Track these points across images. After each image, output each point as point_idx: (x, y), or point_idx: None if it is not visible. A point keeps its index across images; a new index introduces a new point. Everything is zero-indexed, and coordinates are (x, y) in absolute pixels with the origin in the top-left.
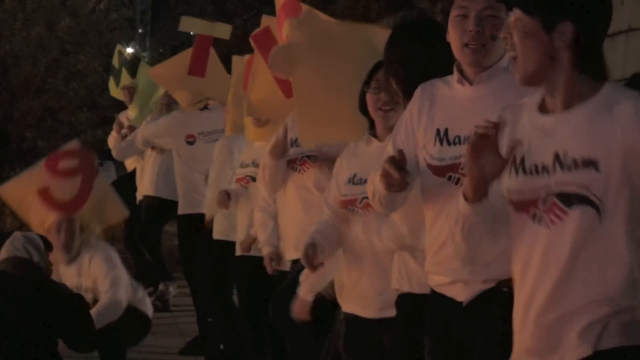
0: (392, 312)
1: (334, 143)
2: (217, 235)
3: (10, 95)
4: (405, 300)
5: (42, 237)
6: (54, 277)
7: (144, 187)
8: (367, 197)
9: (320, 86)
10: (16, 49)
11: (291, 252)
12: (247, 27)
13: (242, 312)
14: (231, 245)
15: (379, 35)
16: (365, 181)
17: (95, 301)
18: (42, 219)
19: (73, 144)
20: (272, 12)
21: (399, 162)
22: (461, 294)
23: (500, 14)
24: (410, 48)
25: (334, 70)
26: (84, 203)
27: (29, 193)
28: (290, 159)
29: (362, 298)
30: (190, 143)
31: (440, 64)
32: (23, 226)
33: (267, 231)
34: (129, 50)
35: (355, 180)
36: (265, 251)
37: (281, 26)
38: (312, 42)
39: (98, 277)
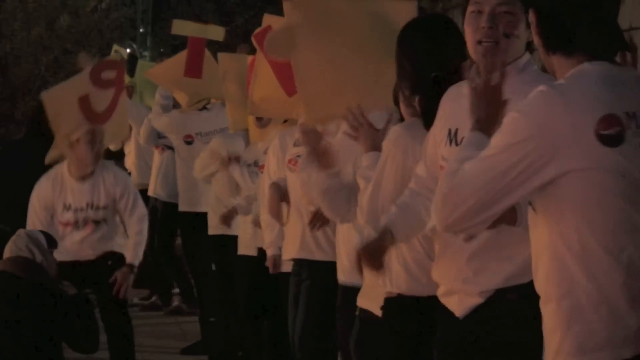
0: None
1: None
2: (212, 230)
3: (11, 95)
4: (388, 303)
5: (46, 235)
6: (63, 196)
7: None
8: None
9: (323, 65)
10: (17, 48)
11: (291, 252)
12: (248, 26)
13: (242, 312)
14: (229, 238)
15: (388, 7)
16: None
17: (104, 219)
18: (70, 130)
19: (115, 57)
20: (273, 11)
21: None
22: (458, 308)
23: (515, 10)
24: (419, 45)
25: (337, 46)
26: (111, 116)
27: (70, 100)
28: (289, 158)
29: (379, 297)
30: (188, 143)
31: (449, 61)
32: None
33: (273, 232)
34: (128, 50)
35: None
36: (270, 252)
37: None
38: (311, 20)
39: (118, 193)
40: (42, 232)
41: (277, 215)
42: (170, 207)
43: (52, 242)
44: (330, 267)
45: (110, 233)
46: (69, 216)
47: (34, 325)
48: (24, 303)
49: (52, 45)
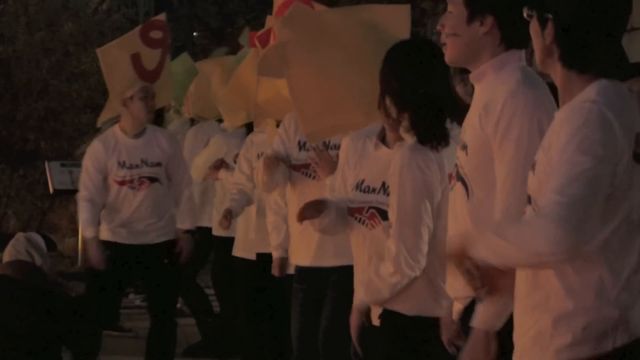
0: None
1: (341, 135)
2: (215, 231)
3: (13, 98)
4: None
5: (45, 238)
6: (117, 154)
7: None
8: (373, 207)
9: (318, 79)
10: (19, 50)
11: (305, 260)
12: (250, 28)
13: (243, 313)
14: (230, 240)
15: (381, 13)
16: (373, 190)
17: (158, 179)
18: (123, 88)
19: (161, 16)
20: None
21: None
22: (455, 314)
23: (453, 8)
24: (405, 62)
25: (331, 59)
26: (159, 76)
27: (123, 57)
28: (303, 163)
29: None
30: None
31: (434, 79)
32: (26, 228)
33: (280, 235)
34: None
35: (363, 188)
36: (276, 255)
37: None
38: (302, 36)
39: (171, 152)
40: (42, 235)
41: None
42: None
43: (51, 245)
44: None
45: (166, 200)
46: (123, 173)
47: (32, 330)
48: (23, 309)
49: (54, 48)
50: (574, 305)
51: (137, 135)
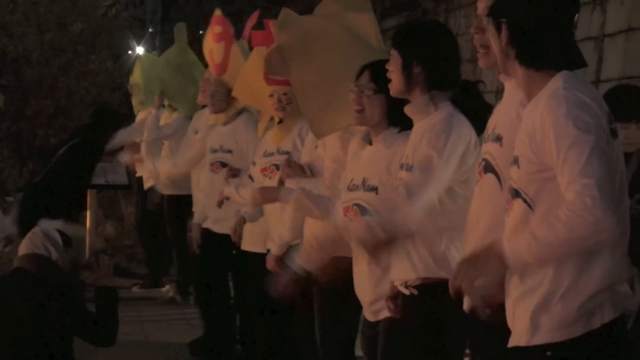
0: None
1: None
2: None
3: (23, 95)
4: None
5: (61, 233)
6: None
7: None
8: (357, 204)
9: (317, 79)
10: (29, 49)
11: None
12: (256, 27)
13: (253, 308)
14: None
15: (356, 20)
16: (356, 187)
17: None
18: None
19: (217, 12)
20: (277, 12)
21: None
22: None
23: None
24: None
25: (325, 61)
26: (227, 67)
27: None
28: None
29: (364, 301)
30: None
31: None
32: None
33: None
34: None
35: (351, 187)
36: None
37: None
38: (297, 39)
39: (248, 143)
40: (58, 231)
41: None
42: (175, 199)
43: (67, 241)
44: None
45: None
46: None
47: (46, 324)
48: (38, 302)
49: (63, 47)
50: (567, 285)
51: (226, 122)
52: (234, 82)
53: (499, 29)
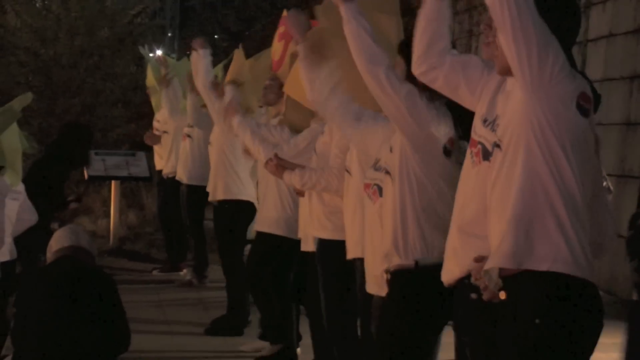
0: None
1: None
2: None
3: (52, 93)
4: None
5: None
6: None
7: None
8: (377, 184)
9: (347, 63)
10: (59, 53)
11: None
12: (266, 31)
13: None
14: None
15: (380, 20)
16: (381, 169)
17: None
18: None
19: (284, 13)
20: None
21: None
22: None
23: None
24: None
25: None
26: (282, 64)
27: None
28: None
29: (373, 277)
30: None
31: None
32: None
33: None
34: (158, 52)
35: (377, 167)
36: None
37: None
38: (334, 24)
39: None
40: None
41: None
42: (193, 189)
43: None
44: None
45: None
46: None
47: (102, 315)
48: (98, 293)
49: (91, 51)
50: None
51: (274, 116)
52: (283, 79)
53: None
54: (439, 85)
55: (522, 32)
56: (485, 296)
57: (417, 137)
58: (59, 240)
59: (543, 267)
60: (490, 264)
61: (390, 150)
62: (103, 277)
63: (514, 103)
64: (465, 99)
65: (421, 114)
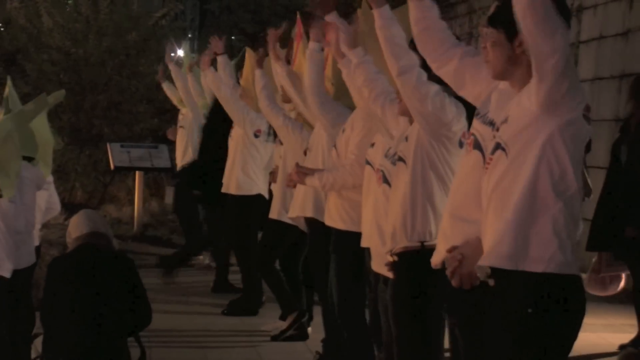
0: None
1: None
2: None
3: (81, 90)
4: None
5: None
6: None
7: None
8: (382, 171)
9: (380, 65)
10: (89, 52)
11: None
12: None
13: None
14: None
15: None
16: (393, 155)
17: None
18: None
19: (299, 15)
20: (302, 20)
21: None
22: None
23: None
24: None
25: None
26: (295, 63)
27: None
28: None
29: (381, 257)
30: (255, 136)
31: None
32: (91, 198)
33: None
34: (180, 52)
35: (387, 154)
36: None
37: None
38: (368, 29)
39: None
40: None
41: None
42: None
43: None
44: None
45: None
46: None
47: (124, 298)
48: (110, 270)
49: (118, 51)
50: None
51: (290, 111)
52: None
53: (511, 37)
54: (449, 81)
55: (551, 40)
56: (454, 282)
57: (436, 130)
58: (77, 227)
59: (538, 269)
60: (487, 263)
61: (406, 140)
62: (123, 259)
63: (526, 113)
64: (469, 96)
65: (445, 110)
